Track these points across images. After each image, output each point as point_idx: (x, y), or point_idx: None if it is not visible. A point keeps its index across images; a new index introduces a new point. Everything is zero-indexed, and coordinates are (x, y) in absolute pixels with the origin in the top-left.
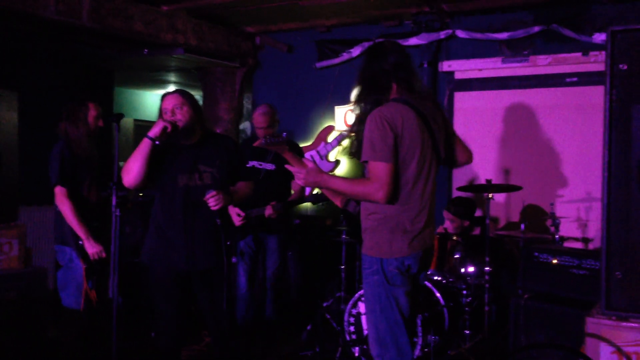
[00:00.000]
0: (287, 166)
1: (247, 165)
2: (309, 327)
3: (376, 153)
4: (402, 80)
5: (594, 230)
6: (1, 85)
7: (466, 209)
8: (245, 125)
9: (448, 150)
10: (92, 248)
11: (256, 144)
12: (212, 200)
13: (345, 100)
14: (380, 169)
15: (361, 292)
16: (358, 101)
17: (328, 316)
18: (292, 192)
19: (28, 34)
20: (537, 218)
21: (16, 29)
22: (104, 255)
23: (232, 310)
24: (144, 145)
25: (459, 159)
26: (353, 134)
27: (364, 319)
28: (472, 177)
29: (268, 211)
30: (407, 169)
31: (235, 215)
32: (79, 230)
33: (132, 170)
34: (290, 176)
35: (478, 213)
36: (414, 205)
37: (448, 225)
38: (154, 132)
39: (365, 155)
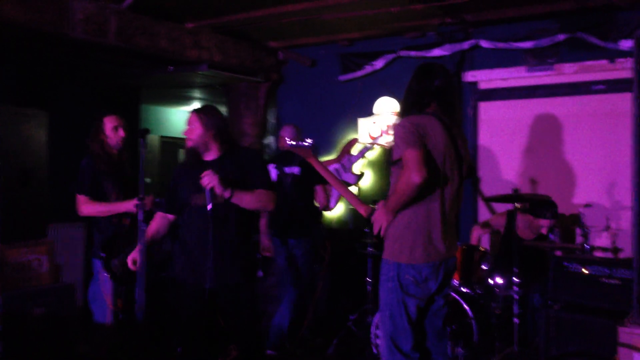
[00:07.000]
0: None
1: (273, 172)
2: (335, 341)
3: (407, 144)
4: (442, 102)
5: (624, 239)
6: (32, 104)
7: (543, 208)
8: (270, 139)
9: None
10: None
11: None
12: (206, 179)
13: (368, 113)
14: (412, 155)
15: None
16: (400, 114)
17: (355, 329)
18: (317, 204)
19: (57, 54)
20: (566, 228)
21: (45, 50)
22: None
23: (259, 324)
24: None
25: None
26: (387, 145)
27: None
28: (498, 188)
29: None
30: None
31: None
32: (115, 208)
33: None
34: (314, 181)
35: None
36: (435, 215)
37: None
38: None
39: (396, 153)
